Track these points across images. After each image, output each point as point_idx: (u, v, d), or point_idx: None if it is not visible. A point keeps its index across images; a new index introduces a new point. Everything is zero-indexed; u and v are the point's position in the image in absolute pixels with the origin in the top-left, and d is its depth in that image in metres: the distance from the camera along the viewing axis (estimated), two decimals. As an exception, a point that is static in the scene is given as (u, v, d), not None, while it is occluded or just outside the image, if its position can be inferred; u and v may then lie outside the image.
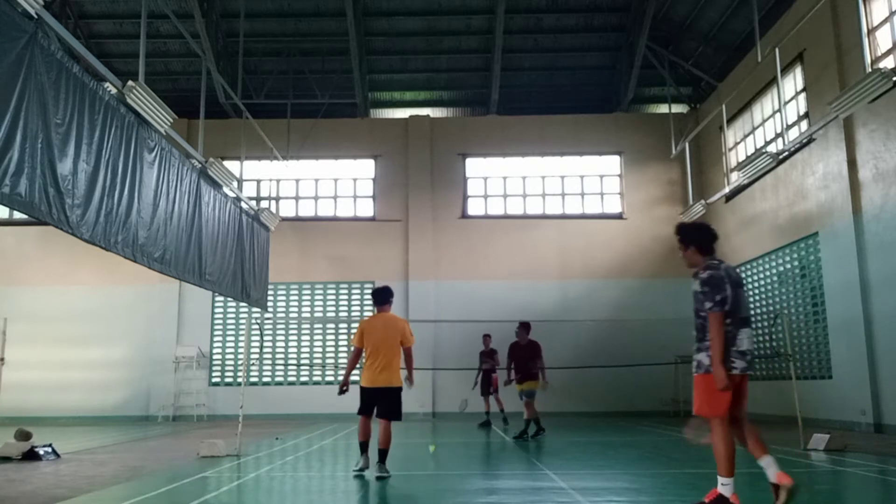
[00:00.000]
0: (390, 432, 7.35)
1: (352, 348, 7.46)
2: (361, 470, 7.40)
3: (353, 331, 19.30)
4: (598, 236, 19.68)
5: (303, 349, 19.45)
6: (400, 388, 7.45)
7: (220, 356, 19.39)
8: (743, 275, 17.54)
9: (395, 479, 7.33)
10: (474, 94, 20.91)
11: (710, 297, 4.85)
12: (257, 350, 18.62)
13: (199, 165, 11.13)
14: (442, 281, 19.34)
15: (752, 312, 16.95)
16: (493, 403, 14.81)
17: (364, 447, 7.50)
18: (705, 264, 5.06)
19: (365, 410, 7.46)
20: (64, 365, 18.44)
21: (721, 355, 4.76)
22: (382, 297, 7.72)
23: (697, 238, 5.21)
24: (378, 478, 7.06)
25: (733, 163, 17.95)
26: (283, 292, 19.62)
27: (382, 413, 7.36)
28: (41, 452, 9.13)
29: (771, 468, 4.72)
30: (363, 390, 7.48)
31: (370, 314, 19.71)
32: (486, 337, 15.14)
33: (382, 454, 7.26)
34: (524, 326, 11.98)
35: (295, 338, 19.61)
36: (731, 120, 17.64)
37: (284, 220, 18.56)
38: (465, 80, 20.71)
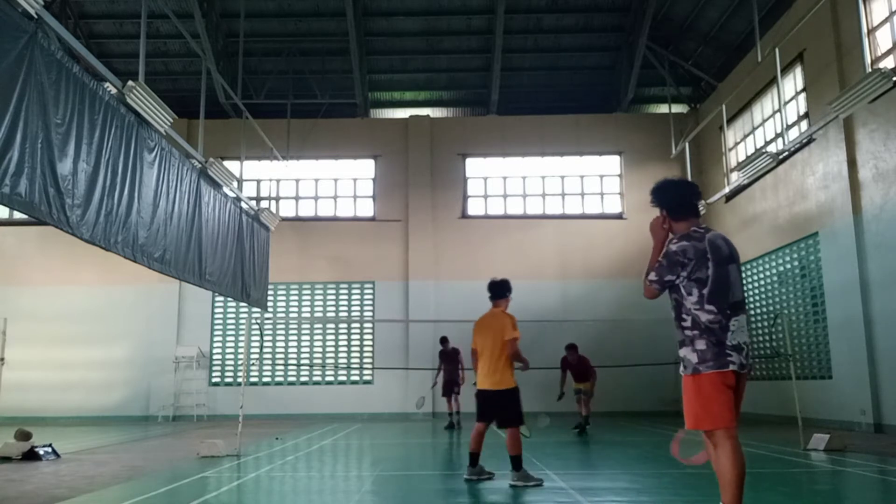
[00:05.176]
0: (515, 437, 6.73)
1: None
2: (472, 477, 6.96)
3: (354, 331, 19.72)
4: (598, 236, 19.67)
5: (303, 349, 19.41)
6: (511, 390, 6.80)
7: (220, 356, 19.38)
8: (743, 275, 17.51)
9: (393, 479, 7.33)
10: (474, 94, 20.91)
11: (660, 273, 4.14)
12: (257, 350, 18.62)
13: (199, 165, 11.13)
14: (442, 281, 19.34)
15: (752, 313, 16.87)
16: (456, 403, 14.78)
17: (474, 459, 6.99)
18: (685, 233, 4.20)
19: (479, 416, 6.98)
20: (64, 365, 18.45)
21: (659, 252, 4.22)
22: (497, 291, 7.39)
23: (667, 200, 4.31)
24: (512, 486, 6.56)
25: (733, 163, 17.94)
26: (283, 292, 19.62)
27: (502, 422, 6.85)
28: (41, 452, 9.13)
29: None
30: (476, 394, 7.05)
31: (370, 314, 20.12)
32: (445, 339, 15.25)
33: (512, 461, 6.72)
34: (572, 348, 13.39)
35: (295, 338, 19.59)
36: (731, 120, 17.63)
37: (284, 220, 18.57)
38: (465, 80, 20.71)
